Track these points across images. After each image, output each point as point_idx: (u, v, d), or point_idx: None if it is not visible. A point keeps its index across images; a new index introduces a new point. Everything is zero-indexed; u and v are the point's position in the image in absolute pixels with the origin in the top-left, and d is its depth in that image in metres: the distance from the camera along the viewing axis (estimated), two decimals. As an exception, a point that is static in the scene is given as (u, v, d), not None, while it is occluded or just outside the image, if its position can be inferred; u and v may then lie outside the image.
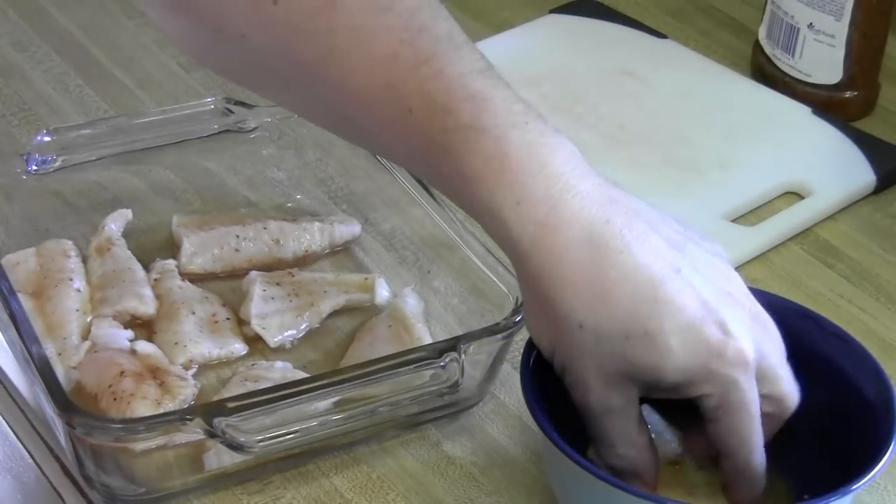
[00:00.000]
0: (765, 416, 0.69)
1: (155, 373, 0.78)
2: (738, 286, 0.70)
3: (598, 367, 0.67)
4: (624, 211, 0.67)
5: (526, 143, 0.66)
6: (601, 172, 0.68)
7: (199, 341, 0.81)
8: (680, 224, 0.70)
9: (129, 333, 0.82)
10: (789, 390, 0.70)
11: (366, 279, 0.86)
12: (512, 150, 0.66)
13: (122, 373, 0.77)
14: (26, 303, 0.79)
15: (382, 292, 0.85)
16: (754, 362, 0.67)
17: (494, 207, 0.66)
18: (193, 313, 0.83)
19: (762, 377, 0.68)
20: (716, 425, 0.68)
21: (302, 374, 0.80)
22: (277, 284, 0.85)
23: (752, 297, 0.70)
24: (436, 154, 0.67)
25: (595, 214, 0.66)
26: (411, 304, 0.84)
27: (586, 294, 0.66)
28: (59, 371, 0.76)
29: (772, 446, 0.75)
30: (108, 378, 0.77)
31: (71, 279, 0.84)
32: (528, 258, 0.67)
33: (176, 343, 0.81)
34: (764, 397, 0.68)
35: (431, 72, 0.66)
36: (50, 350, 0.78)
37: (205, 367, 0.81)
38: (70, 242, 0.87)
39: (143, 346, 0.80)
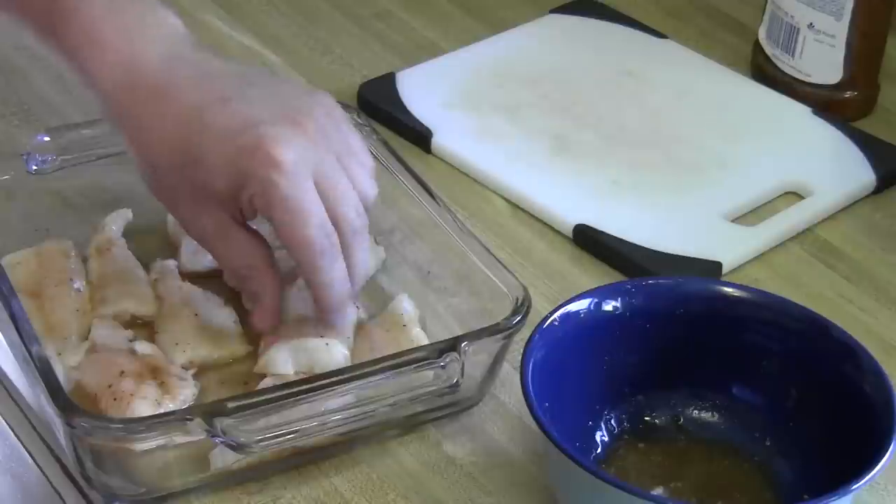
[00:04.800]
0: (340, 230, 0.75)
1: (155, 373, 0.78)
2: (318, 115, 0.76)
3: (180, 198, 0.77)
4: (184, 63, 0.76)
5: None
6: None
7: (200, 342, 0.81)
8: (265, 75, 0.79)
9: (129, 333, 0.82)
10: (344, 207, 0.75)
11: (365, 279, 0.86)
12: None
13: (122, 373, 0.77)
14: (26, 303, 0.79)
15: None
16: (293, 165, 0.73)
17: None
18: (196, 315, 0.83)
19: (323, 193, 0.74)
20: (275, 228, 0.75)
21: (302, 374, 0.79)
22: None
23: (342, 132, 0.77)
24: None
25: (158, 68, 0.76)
26: (407, 308, 0.84)
27: (140, 141, 0.76)
28: (59, 371, 0.76)
29: (773, 445, 0.75)
30: (108, 378, 0.77)
31: (71, 279, 0.84)
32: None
33: (176, 343, 0.81)
34: (330, 212, 0.75)
35: None
36: (50, 350, 0.78)
37: (205, 367, 0.81)
38: (70, 242, 0.87)
39: (143, 347, 0.80)
